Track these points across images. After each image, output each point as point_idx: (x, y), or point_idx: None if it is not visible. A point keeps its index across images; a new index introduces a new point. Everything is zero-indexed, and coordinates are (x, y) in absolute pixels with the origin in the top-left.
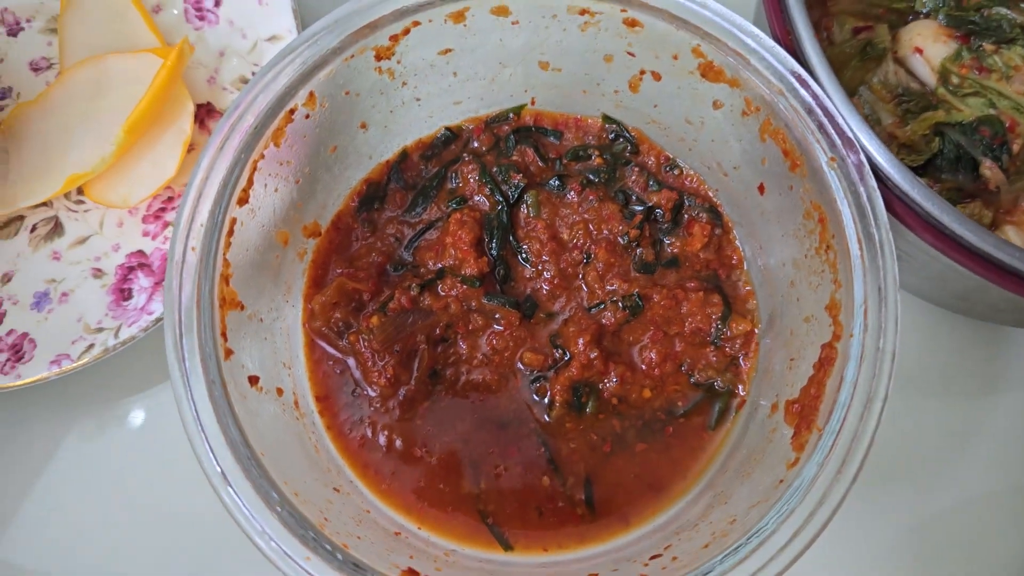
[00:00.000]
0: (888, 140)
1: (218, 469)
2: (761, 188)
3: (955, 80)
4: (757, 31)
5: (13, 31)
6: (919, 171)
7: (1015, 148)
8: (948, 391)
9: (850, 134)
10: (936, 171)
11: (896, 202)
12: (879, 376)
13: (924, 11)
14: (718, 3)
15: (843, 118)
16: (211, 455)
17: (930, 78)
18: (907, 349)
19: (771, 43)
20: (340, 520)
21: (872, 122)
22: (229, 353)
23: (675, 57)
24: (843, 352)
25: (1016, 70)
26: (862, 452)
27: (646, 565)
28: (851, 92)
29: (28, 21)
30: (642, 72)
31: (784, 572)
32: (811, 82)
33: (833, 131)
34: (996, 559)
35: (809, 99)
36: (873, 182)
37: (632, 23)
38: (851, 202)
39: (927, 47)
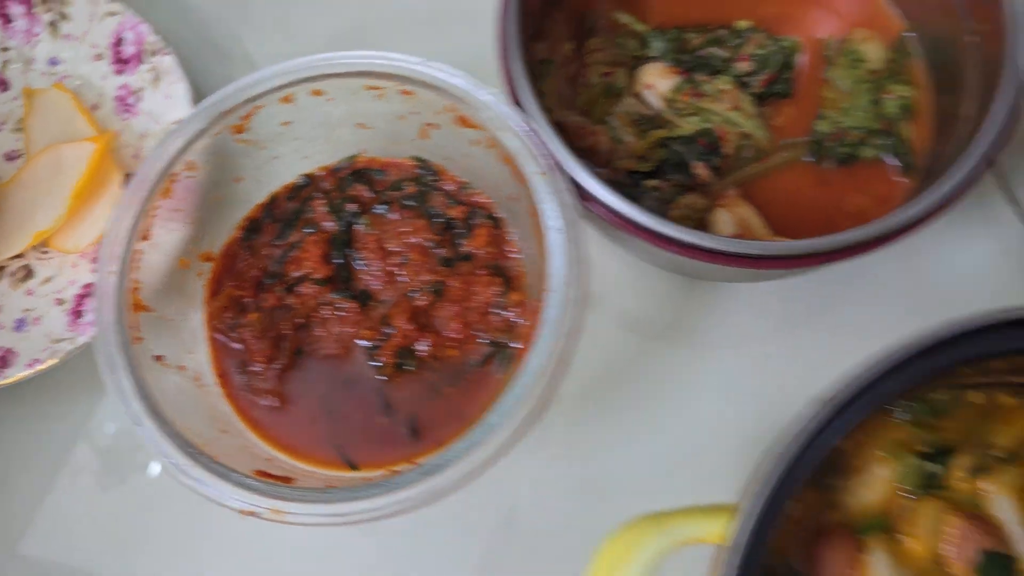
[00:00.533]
0: (629, 154)
1: (133, 411)
2: (514, 199)
3: (679, 105)
4: (489, 95)
5: None
6: (652, 174)
7: (726, 151)
8: (668, 336)
9: (552, 160)
10: (663, 173)
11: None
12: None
13: (655, 56)
14: (463, 76)
15: (545, 145)
16: (127, 404)
17: (660, 105)
18: (637, 303)
19: (502, 103)
20: (223, 449)
21: (616, 142)
22: (138, 340)
23: (438, 112)
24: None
25: (723, 92)
26: (552, 372)
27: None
28: (599, 121)
29: (2, 124)
30: (426, 125)
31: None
32: (530, 123)
33: (540, 156)
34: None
35: (522, 130)
36: (564, 192)
37: (406, 92)
38: (554, 209)
39: (656, 83)
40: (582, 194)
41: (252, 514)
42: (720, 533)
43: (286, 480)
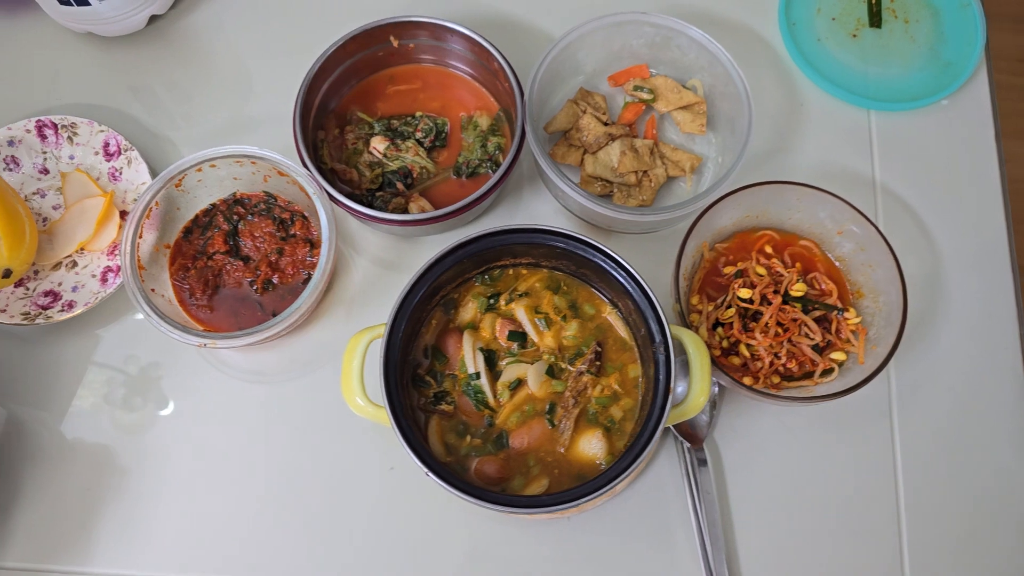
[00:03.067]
0: (368, 181)
1: (146, 315)
2: (309, 207)
3: (389, 156)
4: (290, 161)
5: (43, 194)
6: (378, 190)
7: (414, 175)
8: (395, 267)
9: (316, 185)
10: (383, 189)
11: (353, 212)
12: (329, 262)
13: (378, 132)
14: (279, 154)
15: (315, 181)
16: (145, 312)
17: (380, 156)
18: (379, 252)
19: (298, 164)
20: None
21: (361, 176)
22: (143, 281)
23: (270, 171)
24: (321, 252)
25: (410, 147)
26: (326, 276)
27: None
28: (353, 166)
29: (49, 190)
30: (265, 176)
31: (307, 311)
32: (308, 170)
33: (309, 186)
34: None
35: (304, 174)
36: (326, 199)
37: (253, 162)
38: (321, 206)
39: (377, 146)
40: (336, 202)
41: (203, 345)
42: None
43: (217, 329)
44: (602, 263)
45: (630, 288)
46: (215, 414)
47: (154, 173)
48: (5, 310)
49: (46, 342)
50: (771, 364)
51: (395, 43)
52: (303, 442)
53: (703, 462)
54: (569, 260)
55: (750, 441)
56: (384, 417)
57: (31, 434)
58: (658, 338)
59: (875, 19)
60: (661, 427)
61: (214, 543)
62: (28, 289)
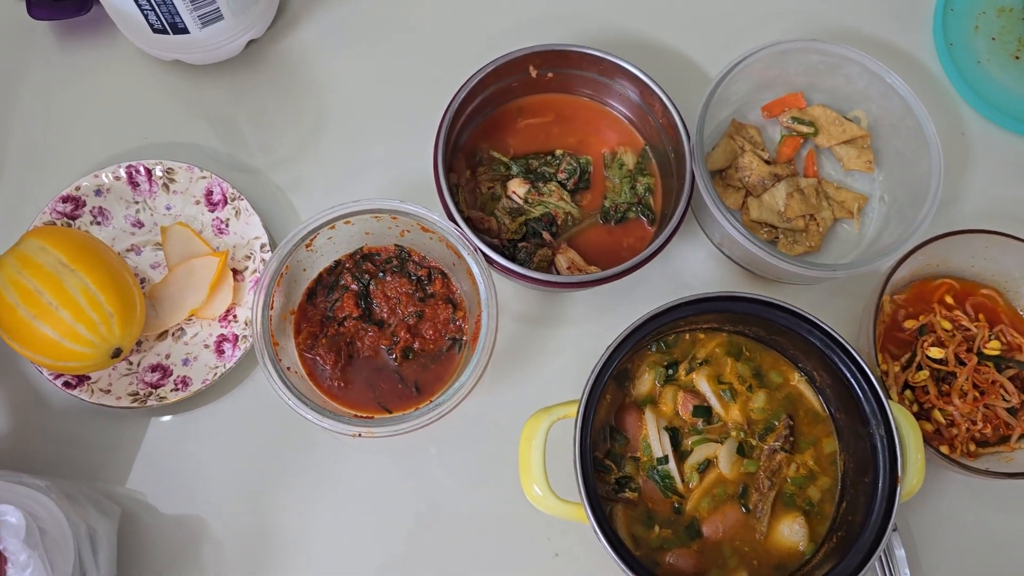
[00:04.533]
0: (508, 231)
1: (283, 396)
2: (454, 263)
3: (530, 200)
4: (434, 215)
5: (138, 251)
6: (521, 239)
7: (558, 223)
8: (540, 322)
9: (471, 246)
10: (527, 239)
11: (501, 268)
12: (492, 333)
13: (514, 174)
14: (421, 207)
15: (469, 239)
16: (281, 392)
17: (520, 202)
18: (521, 307)
19: (443, 218)
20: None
21: (500, 224)
22: (279, 359)
23: (409, 225)
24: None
25: (553, 191)
26: (489, 351)
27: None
28: (490, 214)
29: (145, 246)
30: (403, 231)
31: (464, 397)
32: (459, 227)
33: (466, 243)
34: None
35: (456, 233)
36: (481, 261)
37: (393, 217)
38: (478, 270)
39: (517, 190)
40: (488, 259)
41: (359, 435)
42: (573, 411)
43: (370, 416)
44: (808, 335)
45: (841, 362)
46: (354, 494)
47: (265, 223)
48: (110, 391)
49: (156, 423)
50: (967, 430)
51: (533, 73)
52: (453, 527)
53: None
54: (760, 327)
55: (943, 514)
56: (576, 514)
57: (149, 530)
58: (876, 419)
59: None
60: (891, 525)
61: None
62: (132, 364)
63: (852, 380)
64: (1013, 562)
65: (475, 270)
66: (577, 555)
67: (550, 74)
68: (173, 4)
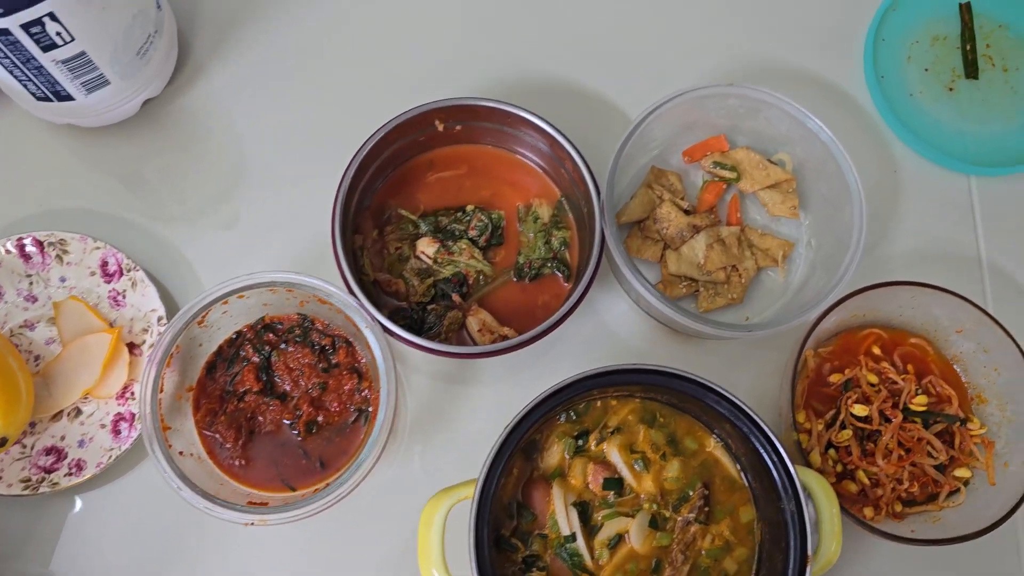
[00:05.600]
0: (417, 293)
1: (174, 484)
2: (355, 333)
3: (440, 260)
4: (333, 287)
5: (32, 327)
6: (431, 302)
7: (470, 282)
8: (457, 381)
9: (368, 317)
10: (436, 301)
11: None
12: (391, 408)
13: (423, 232)
14: (319, 279)
15: (367, 312)
16: (171, 480)
17: (429, 262)
18: (434, 369)
19: (341, 291)
20: (225, 493)
21: (408, 286)
22: (169, 445)
23: (307, 296)
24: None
25: (463, 249)
26: (388, 427)
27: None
28: (398, 275)
29: (38, 322)
30: (302, 301)
31: (368, 471)
32: (356, 298)
33: (364, 315)
34: None
35: (352, 304)
36: (380, 333)
37: (288, 290)
38: (375, 341)
39: (425, 249)
40: (392, 334)
41: (251, 524)
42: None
43: (264, 504)
44: (715, 405)
45: (750, 433)
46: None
47: (163, 294)
48: (1, 477)
49: (52, 509)
50: (893, 490)
51: (440, 127)
52: None
53: None
54: (671, 395)
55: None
56: None
57: None
58: (786, 492)
59: (971, 69)
60: None
61: None
62: (25, 447)
63: (762, 450)
64: None
65: (372, 341)
66: None
67: (458, 127)
68: (51, 74)
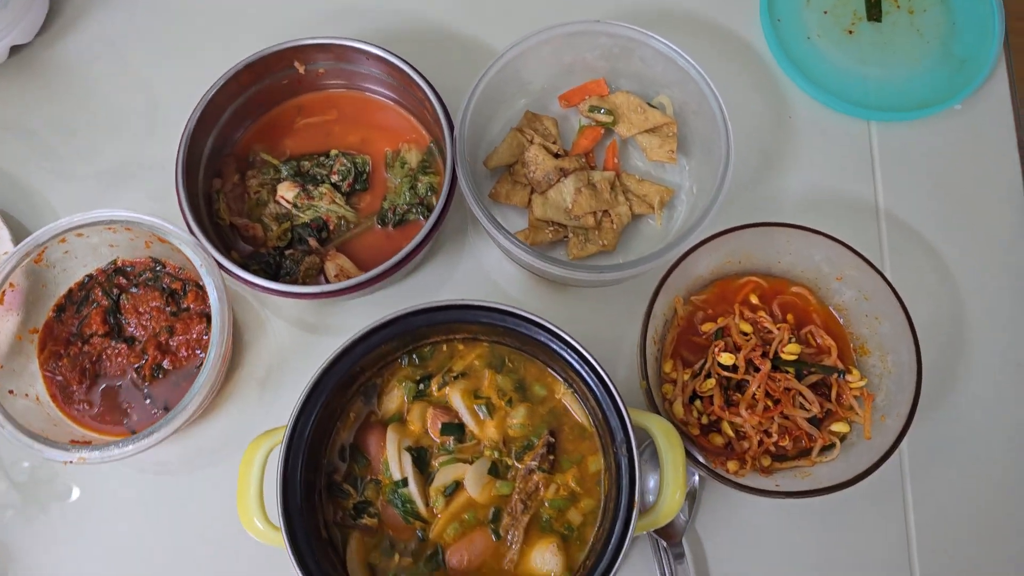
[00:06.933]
0: (275, 237)
1: (8, 431)
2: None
3: (300, 204)
4: (171, 226)
5: None
6: (288, 247)
7: (332, 227)
8: (317, 331)
9: (204, 253)
10: (293, 246)
11: (237, 278)
12: (223, 341)
13: (283, 177)
14: (156, 218)
15: (203, 249)
16: (3, 428)
17: (288, 206)
18: (294, 315)
19: (181, 230)
20: (54, 434)
21: (266, 230)
22: None
23: (149, 236)
24: (213, 327)
25: (325, 194)
26: (220, 358)
27: None
28: (257, 220)
29: None
30: (146, 241)
31: (202, 405)
32: (194, 236)
33: (195, 256)
34: None
35: (191, 242)
36: (215, 270)
37: (128, 228)
38: (211, 279)
39: (285, 194)
40: (228, 272)
41: (70, 462)
42: None
43: (87, 442)
44: (550, 343)
45: (585, 373)
46: (112, 509)
47: (19, 239)
48: None
49: None
50: (760, 443)
51: (300, 69)
52: (203, 553)
53: (680, 556)
54: (512, 337)
55: (738, 529)
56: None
57: None
58: (619, 436)
59: (874, 11)
60: (627, 546)
61: None
62: None
63: (595, 390)
64: (805, 573)
65: (207, 279)
66: None
67: (321, 69)
68: None
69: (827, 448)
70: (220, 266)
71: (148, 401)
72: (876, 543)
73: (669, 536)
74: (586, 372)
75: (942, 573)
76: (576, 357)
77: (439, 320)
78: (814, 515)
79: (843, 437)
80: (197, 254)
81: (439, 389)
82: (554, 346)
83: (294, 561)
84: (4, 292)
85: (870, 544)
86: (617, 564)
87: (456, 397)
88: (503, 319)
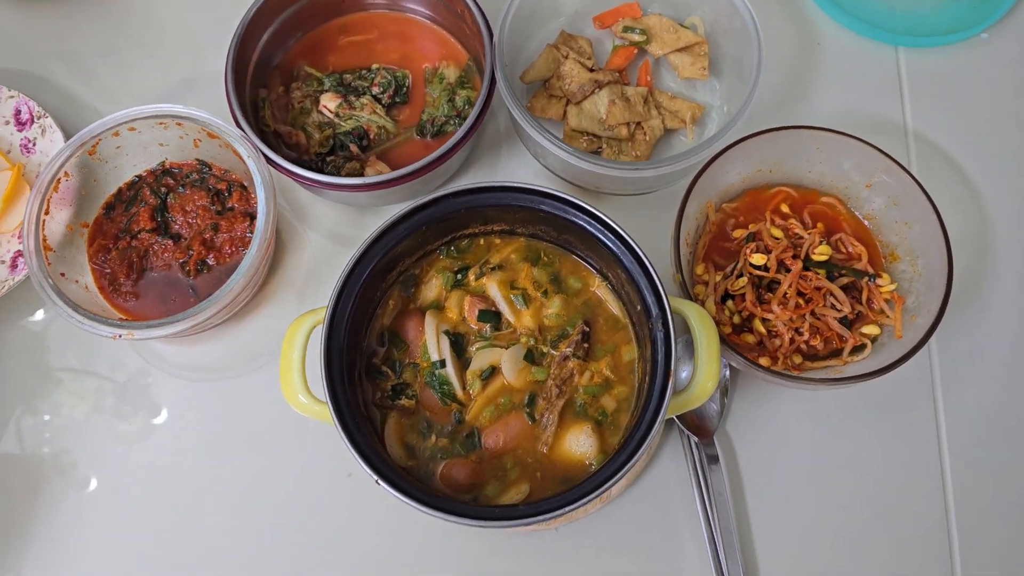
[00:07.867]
0: (317, 144)
1: (51, 302)
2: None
3: (341, 114)
4: (219, 120)
5: None
6: (330, 153)
7: (371, 136)
8: (343, 239)
9: (251, 148)
10: (335, 152)
11: (283, 171)
12: (270, 225)
13: (327, 89)
14: (205, 112)
15: (249, 142)
16: (50, 299)
17: (331, 116)
18: (332, 222)
19: (229, 124)
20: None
21: (309, 138)
22: (48, 264)
23: (199, 133)
24: (258, 210)
25: (366, 105)
26: (267, 244)
27: None
28: (300, 128)
29: None
30: (195, 139)
31: (243, 291)
32: (246, 137)
33: (243, 148)
34: None
35: (236, 134)
36: (262, 163)
37: (179, 124)
38: (257, 171)
39: (328, 104)
40: (275, 165)
41: (119, 336)
42: None
43: (143, 319)
44: (587, 225)
45: (620, 254)
46: (153, 415)
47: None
48: None
49: None
50: (792, 341)
51: None
52: (251, 446)
53: (714, 459)
54: (549, 225)
55: (769, 433)
56: (329, 416)
57: None
58: (655, 312)
59: None
60: (661, 419)
61: (155, 554)
62: None
63: (636, 275)
64: (835, 478)
65: (253, 170)
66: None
67: None
68: None
69: (858, 348)
70: (267, 159)
71: (192, 294)
72: (908, 448)
73: (702, 434)
74: (622, 252)
75: (971, 474)
76: (613, 237)
77: (478, 204)
78: (845, 420)
79: (874, 339)
80: (243, 146)
81: (476, 279)
82: (591, 228)
83: (339, 427)
84: (59, 180)
85: (902, 449)
86: (654, 429)
87: (493, 287)
88: (542, 201)
